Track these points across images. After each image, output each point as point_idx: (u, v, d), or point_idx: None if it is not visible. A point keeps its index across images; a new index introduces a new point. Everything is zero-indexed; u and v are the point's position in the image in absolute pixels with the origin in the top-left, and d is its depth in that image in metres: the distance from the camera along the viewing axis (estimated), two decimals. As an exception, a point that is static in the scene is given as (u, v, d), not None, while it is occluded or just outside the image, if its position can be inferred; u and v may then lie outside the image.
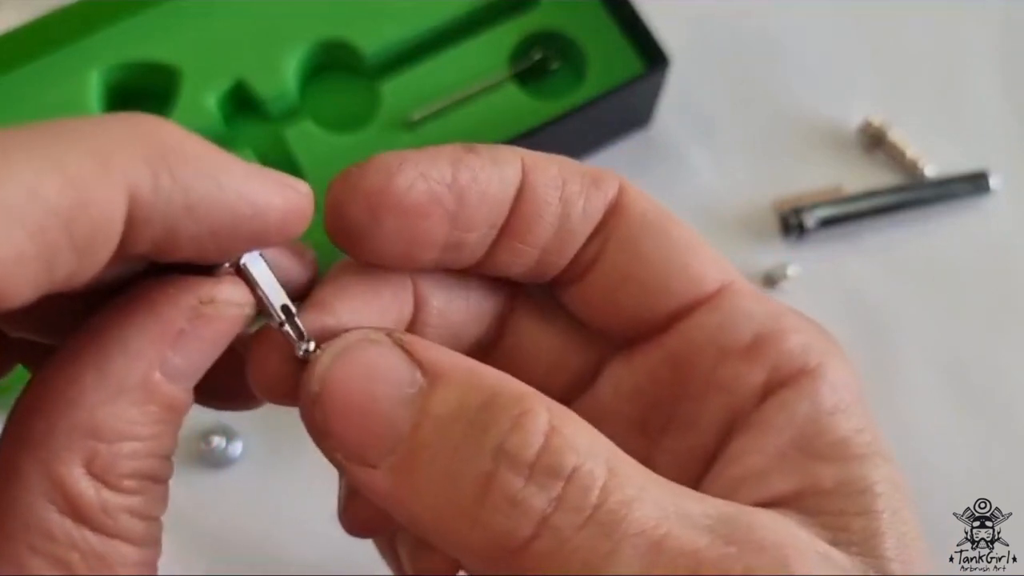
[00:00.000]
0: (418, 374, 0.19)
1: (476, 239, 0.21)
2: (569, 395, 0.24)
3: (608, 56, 0.47)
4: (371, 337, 0.20)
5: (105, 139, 0.17)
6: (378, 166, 0.20)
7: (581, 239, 0.22)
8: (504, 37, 0.47)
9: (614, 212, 0.23)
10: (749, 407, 0.21)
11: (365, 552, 0.43)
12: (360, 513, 0.24)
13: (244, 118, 0.48)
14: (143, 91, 0.48)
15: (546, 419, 0.18)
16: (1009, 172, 0.49)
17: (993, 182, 0.48)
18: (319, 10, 0.47)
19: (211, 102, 0.46)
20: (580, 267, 0.23)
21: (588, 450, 0.18)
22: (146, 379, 0.18)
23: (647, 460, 0.20)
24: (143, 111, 0.48)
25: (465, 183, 0.20)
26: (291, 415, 0.46)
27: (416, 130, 0.46)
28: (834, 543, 0.19)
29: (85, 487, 0.18)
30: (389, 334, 0.20)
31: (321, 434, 0.19)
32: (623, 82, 0.45)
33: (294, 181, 0.20)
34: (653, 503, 0.18)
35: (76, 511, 0.18)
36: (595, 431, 0.19)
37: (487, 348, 0.24)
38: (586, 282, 0.23)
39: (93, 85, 0.46)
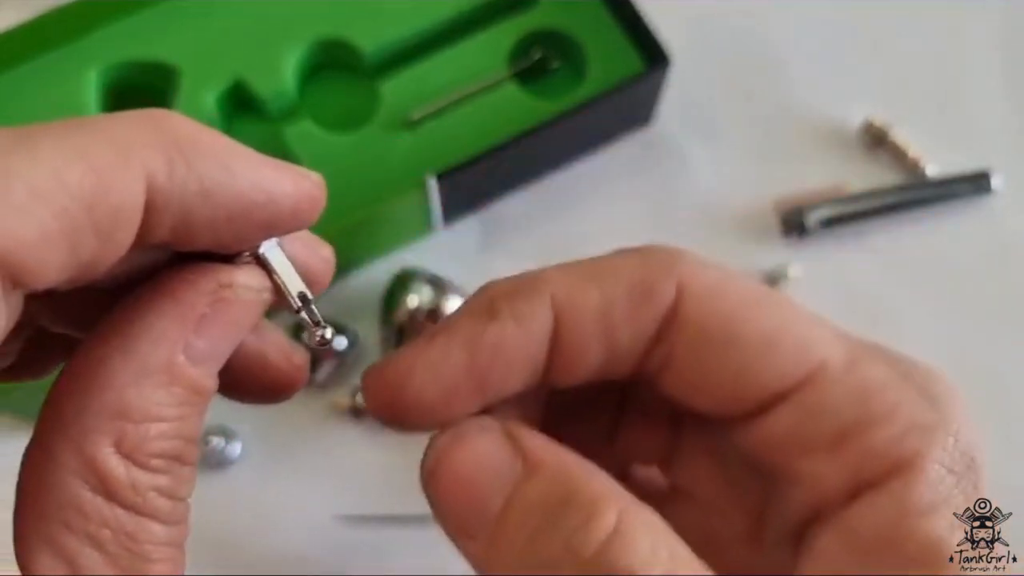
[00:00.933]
0: (519, 463, 0.20)
1: (514, 389, 0.22)
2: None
3: (608, 55, 0.47)
4: (484, 425, 0.21)
5: (123, 131, 0.18)
6: (391, 375, 0.22)
7: (633, 358, 0.22)
8: (504, 36, 0.47)
9: (672, 322, 0.22)
10: (834, 505, 0.20)
11: (365, 551, 0.43)
12: None
13: (243, 117, 0.47)
14: (142, 90, 0.48)
15: (612, 521, 0.19)
16: (1010, 172, 0.49)
17: (994, 182, 0.48)
18: (318, 9, 0.47)
19: (210, 101, 0.46)
20: (648, 373, 0.22)
21: (646, 556, 0.19)
22: (170, 361, 0.19)
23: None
24: (143, 108, 0.48)
25: (486, 362, 0.21)
26: (289, 416, 0.46)
27: (415, 129, 0.45)
28: None
29: (115, 465, 0.18)
30: (502, 424, 0.21)
31: (432, 504, 0.21)
32: (624, 81, 0.44)
33: (306, 171, 0.20)
34: None
35: (107, 489, 0.18)
36: (665, 535, 0.19)
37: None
38: (660, 383, 0.22)
39: (91, 84, 0.46)
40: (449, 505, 0.21)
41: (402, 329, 0.42)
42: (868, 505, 0.20)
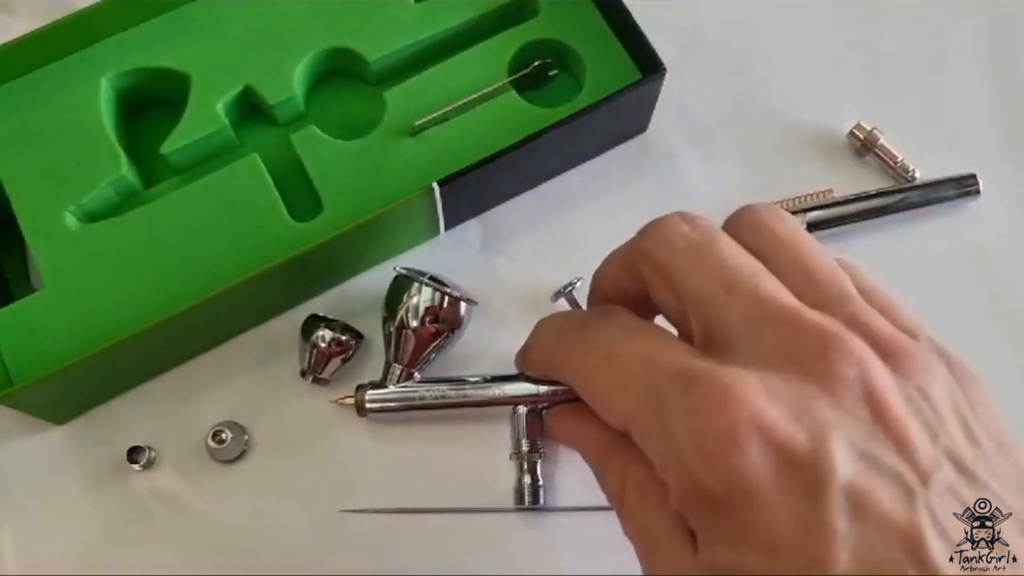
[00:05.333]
0: None
1: None
2: None
3: (605, 64, 0.48)
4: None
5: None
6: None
7: None
8: (504, 46, 0.48)
9: None
10: None
11: (371, 545, 0.44)
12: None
13: (251, 123, 0.49)
14: (153, 96, 0.49)
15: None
16: (996, 175, 0.50)
17: (981, 185, 0.49)
18: (325, 19, 0.48)
19: (219, 107, 0.47)
20: None
21: (617, 489, 0.31)
22: None
23: None
24: (153, 115, 0.50)
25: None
26: (296, 412, 0.47)
27: (419, 136, 0.47)
28: None
29: None
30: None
31: None
32: (620, 89, 0.45)
33: None
34: None
35: None
36: (622, 476, 0.30)
37: None
38: None
39: (103, 90, 0.47)
40: None
41: (402, 327, 0.43)
42: None
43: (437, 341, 0.43)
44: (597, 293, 0.34)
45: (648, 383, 0.26)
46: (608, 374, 0.28)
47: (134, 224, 0.45)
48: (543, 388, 0.42)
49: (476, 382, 0.44)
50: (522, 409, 0.43)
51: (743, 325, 0.26)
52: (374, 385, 0.44)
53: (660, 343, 0.28)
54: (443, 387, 0.44)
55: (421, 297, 0.43)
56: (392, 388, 0.44)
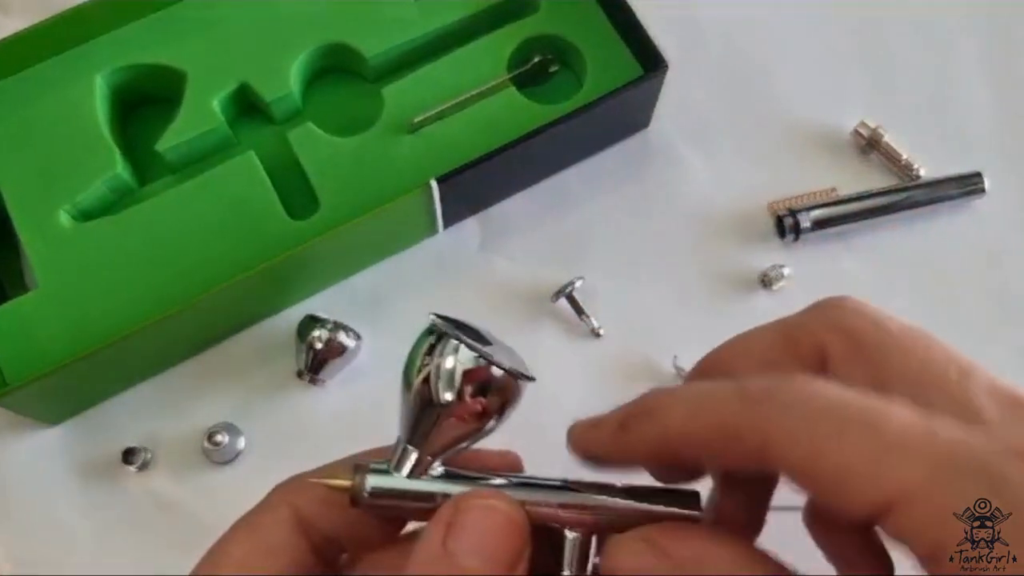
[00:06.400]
0: None
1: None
2: None
3: (606, 60, 0.48)
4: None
5: None
6: None
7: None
8: (504, 41, 0.48)
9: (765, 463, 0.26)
10: None
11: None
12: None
13: (248, 120, 0.48)
14: (148, 93, 0.48)
15: None
16: (1001, 174, 0.50)
17: (986, 183, 0.49)
18: (322, 15, 0.48)
19: (215, 104, 0.46)
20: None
21: None
22: None
23: None
24: (148, 112, 0.49)
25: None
26: (292, 413, 0.46)
27: (418, 133, 0.46)
28: None
29: None
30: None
31: None
32: (621, 86, 0.45)
33: None
34: None
35: None
36: None
37: None
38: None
39: (98, 87, 0.47)
40: None
41: (429, 399, 0.28)
42: None
43: (475, 426, 0.29)
44: (722, 368, 0.28)
45: (936, 452, 0.21)
46: (866, 439, 0.21)
47: (129, 223, 0.45)
48: (626, 504, 0.28)
49: (520, 484, 0.30)
50: (571, 534, 0.29)
51: (986, 403, 0.24)
52: (378, 470, 0.30)
53: (919, 411, 0.23)
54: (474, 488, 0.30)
55: (459, 360, 0.29)
56: (404, 480, 0.30)
